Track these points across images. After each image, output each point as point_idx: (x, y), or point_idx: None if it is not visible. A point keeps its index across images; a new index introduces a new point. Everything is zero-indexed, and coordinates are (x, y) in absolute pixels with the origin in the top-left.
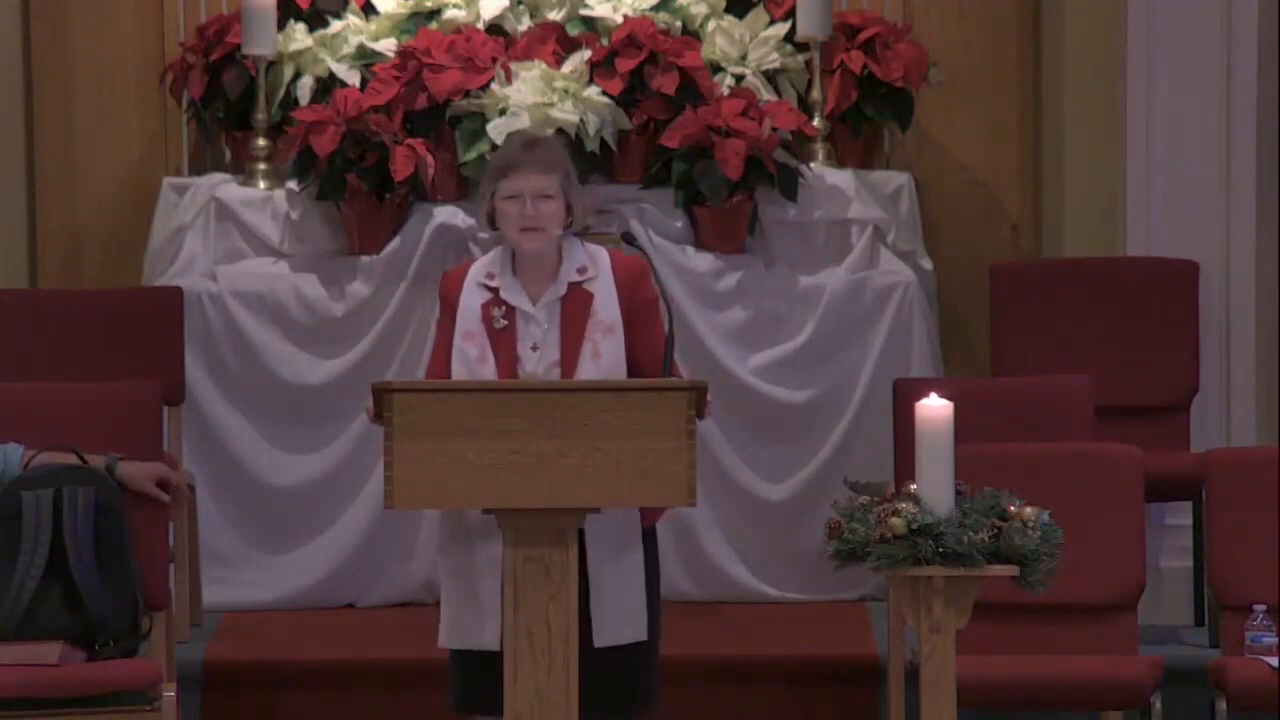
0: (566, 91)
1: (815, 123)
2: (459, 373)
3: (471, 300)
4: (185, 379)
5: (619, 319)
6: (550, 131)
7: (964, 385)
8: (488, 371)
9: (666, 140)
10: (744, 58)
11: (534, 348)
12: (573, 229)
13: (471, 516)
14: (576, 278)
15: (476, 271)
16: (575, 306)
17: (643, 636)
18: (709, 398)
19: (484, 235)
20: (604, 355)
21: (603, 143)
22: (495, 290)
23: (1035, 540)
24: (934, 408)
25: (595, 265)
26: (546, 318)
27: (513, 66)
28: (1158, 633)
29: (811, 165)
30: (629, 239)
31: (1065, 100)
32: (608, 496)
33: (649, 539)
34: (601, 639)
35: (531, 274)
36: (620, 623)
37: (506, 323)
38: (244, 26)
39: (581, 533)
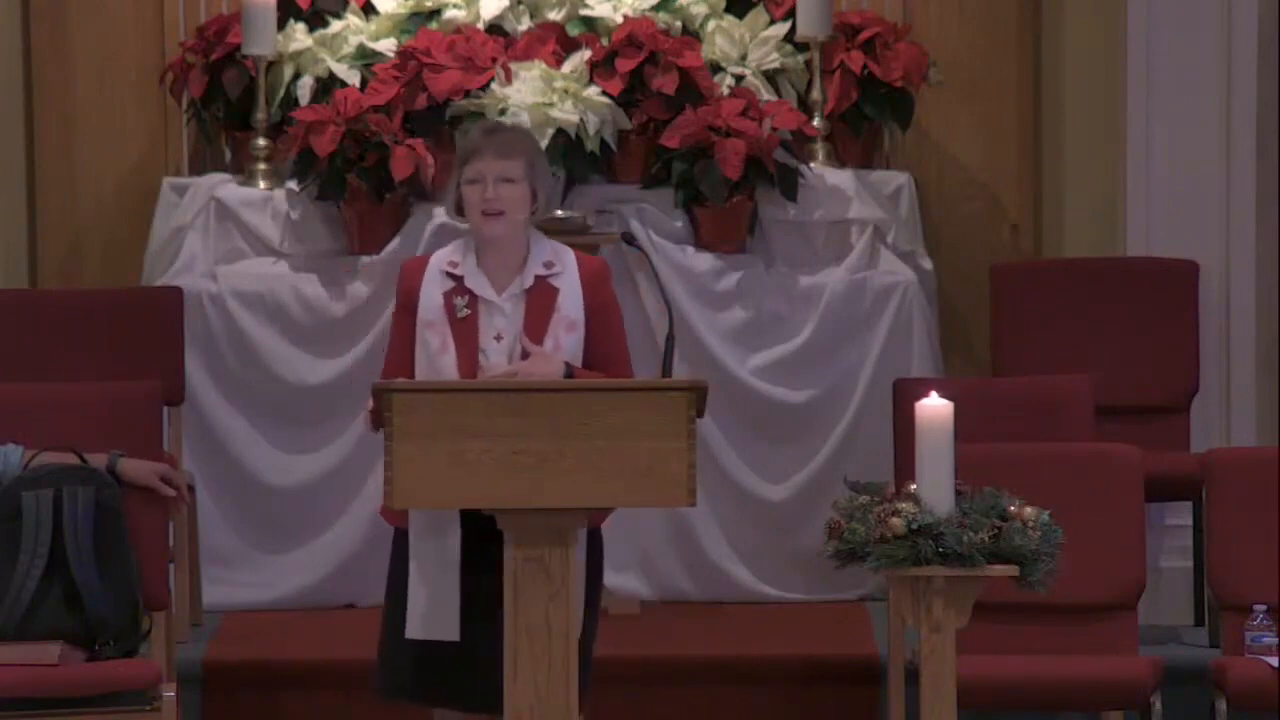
0: (566, 91)
1: (815, 123)
2: (420, 364)
3: (433, 290)
4: (185, 379)
5: (581, 317)
6: (550, 132)
7: (964, 385)
8: (448, 362)
9: (666, 140)
10: (744, 58)
11: (498, 338)
12: (537, 217)
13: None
14: (543, 271)
15: (438, 260)
16: (540, 300)
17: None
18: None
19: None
20: (564, 349)
21: (603, 143)
22: (458, 279)
23: (1035, 540)
24: (934, 408)
25: (561, 261)
26: (511, 309)
27: (513, 66)
28: (1158, 633)
29: (811, 165)
30: (629, 239)
31: (1065, 100)
32: (608, 496)
33: (594, 540)
34: None
35: (496, 264)
36: None
37: (469, 311)
38: (244, 26)
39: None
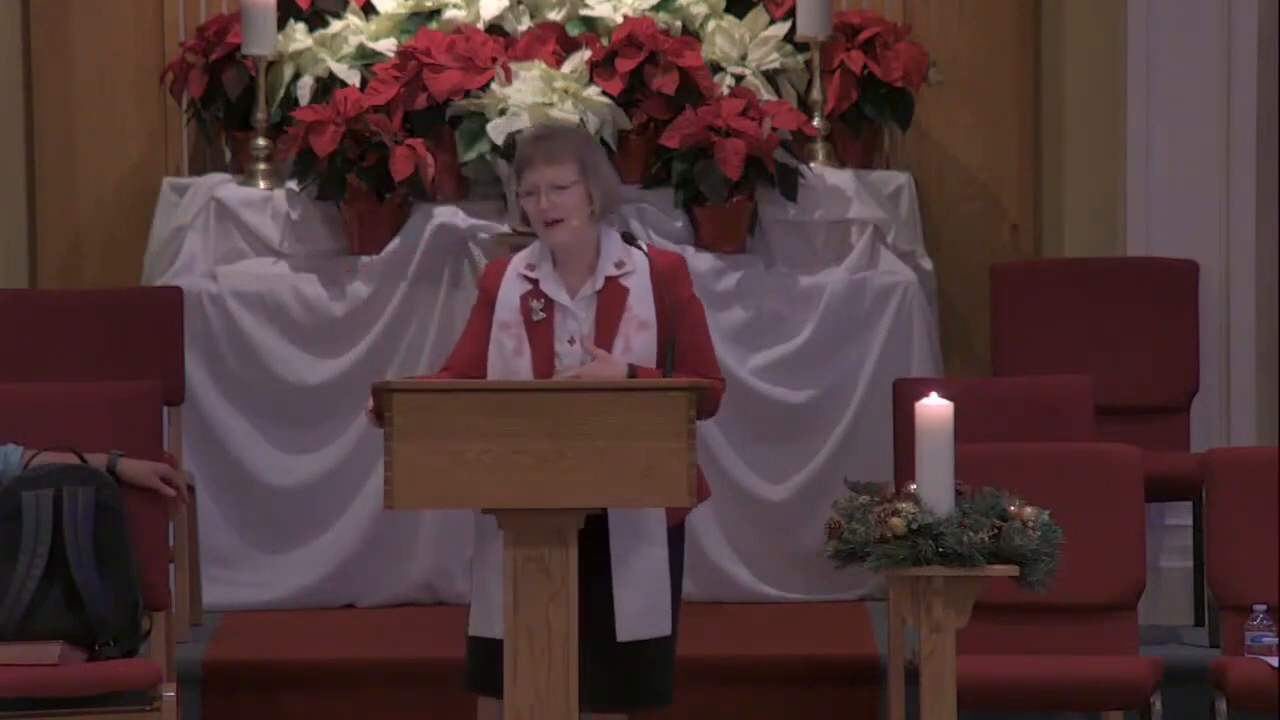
0: (566, 91)
1: (815, 123)
2: (494, 364)
3: (510, 292)
4: (185, 379)
5: (653, 316)
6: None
7: (964, 385)
8: (523, 364)
9: (666, 140)
10: (744, 58)
11: (571, 341)
12: (598, 216)
13: (483, 517)
14: (614, 272)
15: (517, 263)
16: (610, 300)
17: (666, 631)
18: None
19: (485, 236)
20: (635, 350)
21: (603, 143)
22: (535, 282)
23: (1035, 540)
24: (934, 408)
25: (632, 260)
26: (584, 311)
27: (513, 66)
28: (1158, 633)
29: (811, 165)
30: (629, 239)
31: (1065, 100)
32: (608, 496)
33: (676, 536)
34: (625, 633)
35: (570, 267)
36: (644, 617)
37: (545, 315)
38: (244, 26)
39: (606, 527)
